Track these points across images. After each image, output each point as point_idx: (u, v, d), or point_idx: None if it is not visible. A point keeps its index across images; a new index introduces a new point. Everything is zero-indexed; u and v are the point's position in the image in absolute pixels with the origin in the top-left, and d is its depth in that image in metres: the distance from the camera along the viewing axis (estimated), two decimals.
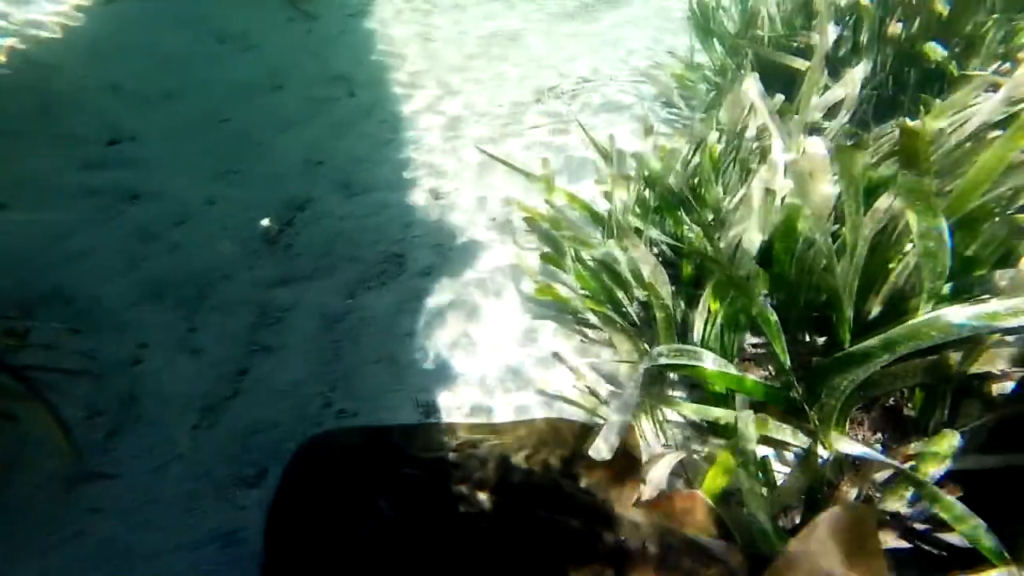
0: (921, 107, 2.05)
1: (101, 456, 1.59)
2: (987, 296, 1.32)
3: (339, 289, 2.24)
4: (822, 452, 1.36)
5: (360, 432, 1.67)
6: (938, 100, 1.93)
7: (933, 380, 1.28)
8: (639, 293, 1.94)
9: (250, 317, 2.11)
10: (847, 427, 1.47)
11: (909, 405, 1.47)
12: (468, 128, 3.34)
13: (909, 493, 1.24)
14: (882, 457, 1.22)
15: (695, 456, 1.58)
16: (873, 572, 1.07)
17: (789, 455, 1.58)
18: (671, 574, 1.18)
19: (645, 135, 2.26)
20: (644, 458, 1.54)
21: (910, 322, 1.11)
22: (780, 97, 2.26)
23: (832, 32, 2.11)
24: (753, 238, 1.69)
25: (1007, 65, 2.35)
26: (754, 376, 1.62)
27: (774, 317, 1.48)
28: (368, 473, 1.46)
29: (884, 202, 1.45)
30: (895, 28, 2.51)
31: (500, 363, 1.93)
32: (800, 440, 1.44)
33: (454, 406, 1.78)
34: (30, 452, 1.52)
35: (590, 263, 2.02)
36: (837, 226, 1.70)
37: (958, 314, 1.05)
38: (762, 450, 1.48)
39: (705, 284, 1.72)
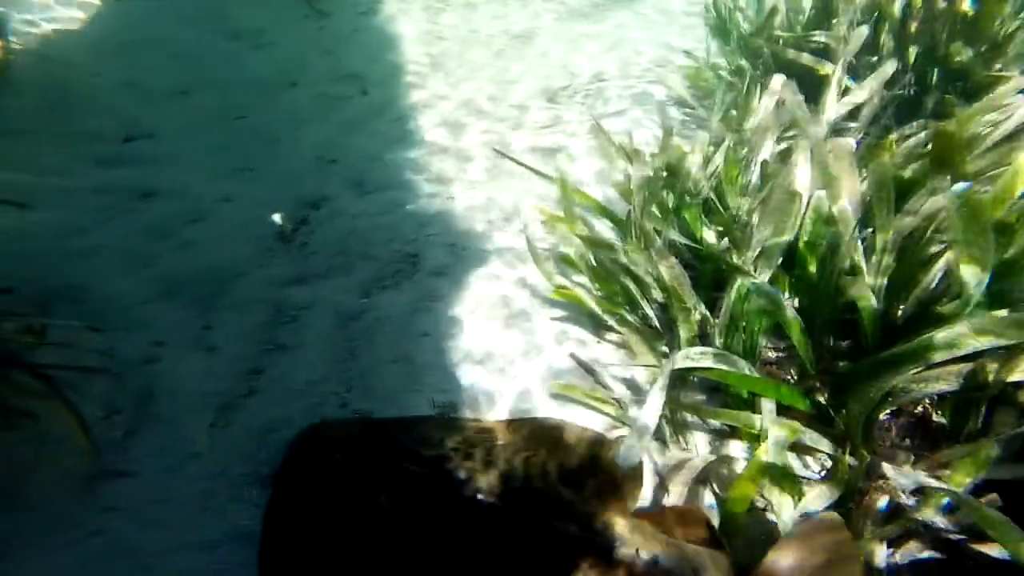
0: (952, 109, 2.01)
1: (119, 454, 1.58)
2: None
3: (354, 288, 2.23)
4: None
5: (358, 423, 1.67)
6: (954, 101, 1.90)
7: (968, 388, 1.25)
8: (657, 295, 1.92)
9: (265, 315, 2.10)
10: (874, 433, 1.45)
11: (939, 412, 1.44)
12: (480, 127, 3.32)
13: (943, 502, 1.21)
14: (937, 483, 1.18)
15: (716, 462, 1.56)
16: None
17: (810, 460, 1.55)
18: None
19: (664, 136, 2.23)
20: (645, 466, 1.53)
21: (949, 328, 1.08)
22: (799, 98, 2.23)
23: (863, 34, 2.08)
24: (777, 239, 1.67)
25: None
26: (775, 379, 1.59)
27: (799, 322, 1.45)
28: (367, 465, 1.46)
29: (916, 204, 1.42)
30: (918, 28, 2.47)
31: (516, 364, 1.91)
32: (825, 446, 1.41)
33: (470, 407, 1.77)
34: (49, 450, 1.52)
35: (608, 265, 2.00)
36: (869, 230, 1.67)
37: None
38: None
39: (725, 286, 1.69)
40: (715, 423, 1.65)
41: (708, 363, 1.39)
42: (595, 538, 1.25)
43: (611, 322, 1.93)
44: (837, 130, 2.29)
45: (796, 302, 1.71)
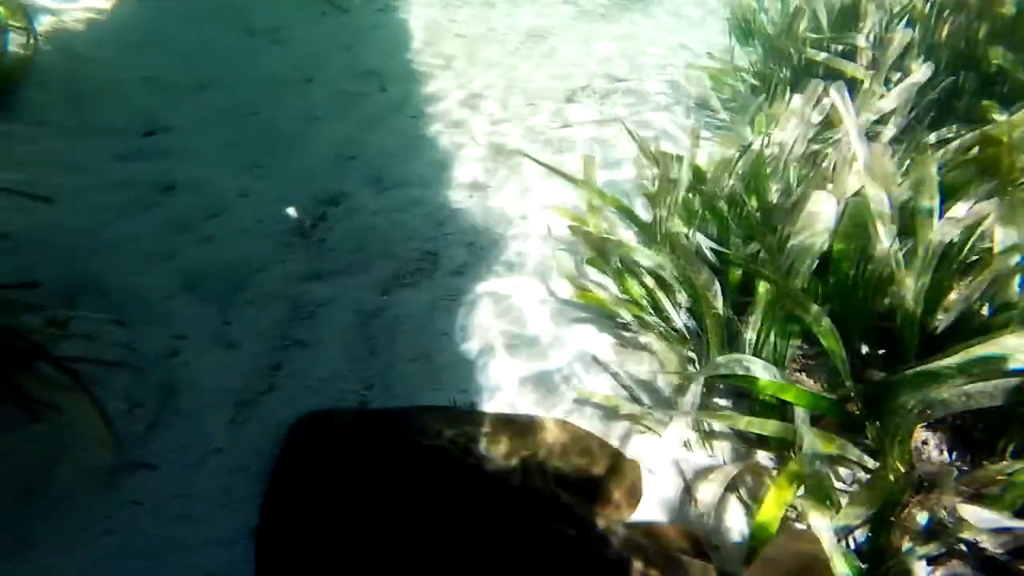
0: (988, 114, 1.96)
1: (141, 448, 1.57)
2: None
3: (373, 285, 2.21)
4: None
5: (357, 411, 1.66)
6: (992, 106, 1.84)
7: (1014, 403, 1.20)
8: (683, 299, 1.88)
9: (284, 311, 2.09)
10: (911, 446, 1.40)
11: (980, 425, 1.40)
12: (498, 125, 3.30)
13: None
14: (1016, 524, 1.12)
15: (744, 469, 1.52)
16: None
17: (842, 470, 1.51)
18: None
19: (691, 138, 2.20)
20: (645, 474, 1.51)
21: (1001, 340, 1.04)
22: (827, 101, 2.19)
23: (905, 39, 2.02)
24: (810, 244, 1.63)
25: None
26: (805, 387, 1.56)
27: (834, 330, 1.41)
28: (364, 453, 1.45)
29: (958, 209, 1.38)
30: (951, 30, 2.41)
31: (536, 365, 1.89)
32: (860, 457, 1.37)
33: (491, 407, 1.74)
34: (72, 442, 1.51)
35: (634, 268, 1.97)
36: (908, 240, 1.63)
37: None
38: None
39: (754, 291, 1.66)
40: (742, 429, 1.62)
41: (739, 369, 1.35)
42: (589, 542, 1.25)
43: (634, 326, 1.90)
44: (868, 135, 2.24)
45: (828, 308, 1.67)
